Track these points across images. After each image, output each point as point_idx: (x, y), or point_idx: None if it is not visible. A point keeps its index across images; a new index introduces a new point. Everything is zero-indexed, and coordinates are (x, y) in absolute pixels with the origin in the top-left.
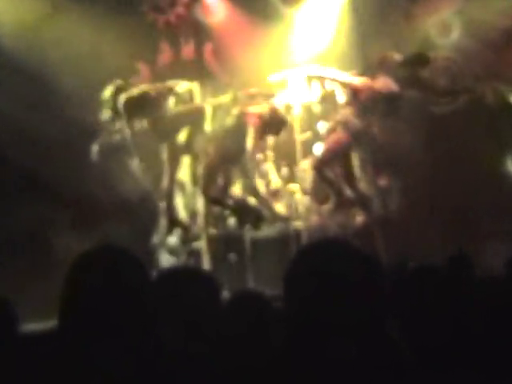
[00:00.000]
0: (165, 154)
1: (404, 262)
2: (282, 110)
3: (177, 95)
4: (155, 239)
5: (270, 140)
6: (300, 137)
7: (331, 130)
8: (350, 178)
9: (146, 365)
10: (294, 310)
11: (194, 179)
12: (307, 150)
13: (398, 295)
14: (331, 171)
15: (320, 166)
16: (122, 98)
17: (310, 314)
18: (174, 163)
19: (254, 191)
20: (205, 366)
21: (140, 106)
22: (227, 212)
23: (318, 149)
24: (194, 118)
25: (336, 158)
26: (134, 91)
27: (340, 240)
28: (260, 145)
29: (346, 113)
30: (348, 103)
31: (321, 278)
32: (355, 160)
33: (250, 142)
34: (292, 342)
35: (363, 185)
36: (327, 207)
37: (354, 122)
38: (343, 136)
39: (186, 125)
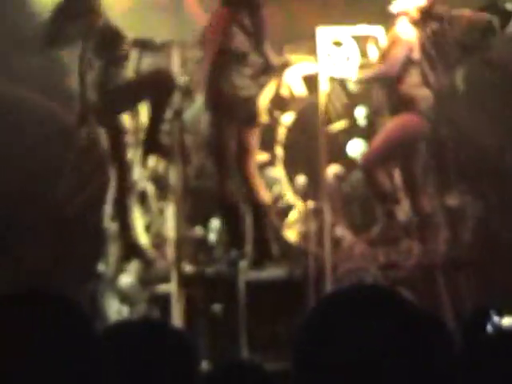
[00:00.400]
0: (105, 143)
1: (482, 320)
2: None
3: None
4: (101, 276)
5: (281, 133)
6: (327, 128)
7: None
8: (412, 190)
9: None
10: None
11: (162, 187)
12: (337, 150)
13: (473, 372)
14: (386, 176)
15: (370, 166)
16: None
17: None
18: (124, 159)
19: (254, 209)
20: None
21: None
22: (212, 239)
23: (357, 147)
24: (161, 89)
25: (395, 156)
26: None
27: (383, 289)
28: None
29: (413, 82)
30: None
31: (350, 349)
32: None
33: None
34: None
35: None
36: (367, 236)
37: (427, 97)
38: (410, 120)
39: (146, 99)
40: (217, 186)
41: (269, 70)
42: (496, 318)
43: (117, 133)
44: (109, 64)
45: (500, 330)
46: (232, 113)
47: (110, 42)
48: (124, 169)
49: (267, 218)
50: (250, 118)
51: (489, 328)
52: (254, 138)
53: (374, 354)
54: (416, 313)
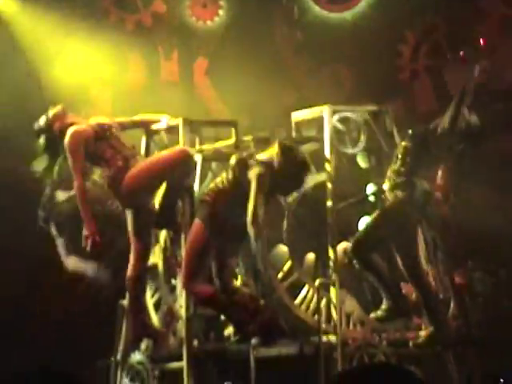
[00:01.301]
0: (130, 225)
1: None
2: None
3: (151, 135)
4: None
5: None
6: (334, 205)
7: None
8: (413, 268)
9: None
10: None
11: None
12: (347, 227)
13: None
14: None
15: (360, 248)
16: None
17: None
18: (146, 238)
19: (262, 283)
20: None
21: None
22: (223, 317)
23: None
24: (175, 171)
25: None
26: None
27: (395, 368)
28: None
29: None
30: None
31: None
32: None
33: (252, 204)
34: None
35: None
36: (375, 315)
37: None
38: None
39: (162, 181)
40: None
41: None
42: None
43: (143, 212)
44: None
45: None
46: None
47: None
48: (146, 248)
49: (276, 294)
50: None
51: None
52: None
53: None
54: None
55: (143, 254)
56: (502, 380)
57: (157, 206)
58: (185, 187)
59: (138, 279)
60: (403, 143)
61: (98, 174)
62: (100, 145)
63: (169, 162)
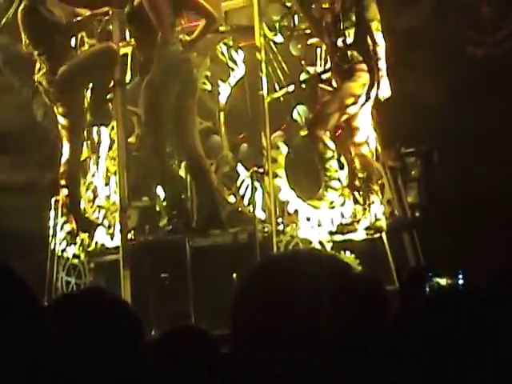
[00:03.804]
0: (62, 121)
1: (421, 275)
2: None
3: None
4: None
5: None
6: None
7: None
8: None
9: None
10: (243, 359)
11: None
12: (281, 115)
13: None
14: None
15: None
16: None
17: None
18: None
19: (196, 176)
20: None
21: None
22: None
23: (301, 112)
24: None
25: (336, 117)
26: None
27: (320, 253)
28: None
29: None
30: None
31: (285, 309)
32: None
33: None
34: None
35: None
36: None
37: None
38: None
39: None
40: (154, 155)
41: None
42: (435, 279)
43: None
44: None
45: (437, 290)
46: (172, 76)
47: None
48: (78, 145)
49: (211, 184)
50: (190, 82)
51: (427, 288)
52: (194, 104)
53: (310, 314)
54: (354, 275)
55: (76, 149)
56: (429, 273)
57: (87, 102)
58: (115, 81)
59: (72, 171)
60: None
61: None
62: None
63: (90, 56)
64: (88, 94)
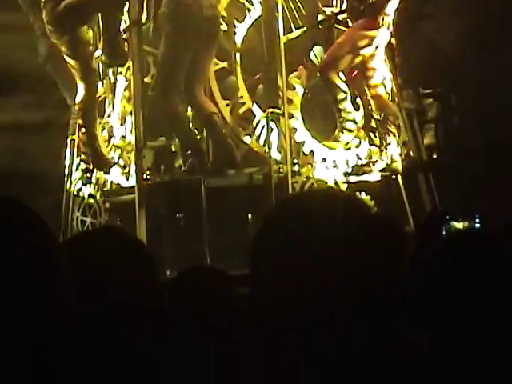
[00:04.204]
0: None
1: (438, 219)
2: None
3: None
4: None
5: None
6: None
7: None
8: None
9: None
10: (264, 298)
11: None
12: (298, 56)
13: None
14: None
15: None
16: None
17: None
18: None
19: (208, 118)
20: None
21: None
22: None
23: (318, 53)
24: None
25: (349, 59)
26: None
27: (338, 193)
28: None
29: None
30: None
31: (304, 251)
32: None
33: None
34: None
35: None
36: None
37: None
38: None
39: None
40: (163, 97)
41: None
42: (452, 222)
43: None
44: None
45: (454, 233)
46: (191, 27)
47: None
48: (91, 79)
49: (225, 125)
50: (211, 42)
51: (444, 232)
52: (211, 53)
53: (327, 256)
54: (371, 216)
55: (91, 87)
56: (447, 217)
57: (101, 44)
58: (130, 21)
59: (88, 110)
60: None
61: None
62: None
63: None
64: (101, 33)
